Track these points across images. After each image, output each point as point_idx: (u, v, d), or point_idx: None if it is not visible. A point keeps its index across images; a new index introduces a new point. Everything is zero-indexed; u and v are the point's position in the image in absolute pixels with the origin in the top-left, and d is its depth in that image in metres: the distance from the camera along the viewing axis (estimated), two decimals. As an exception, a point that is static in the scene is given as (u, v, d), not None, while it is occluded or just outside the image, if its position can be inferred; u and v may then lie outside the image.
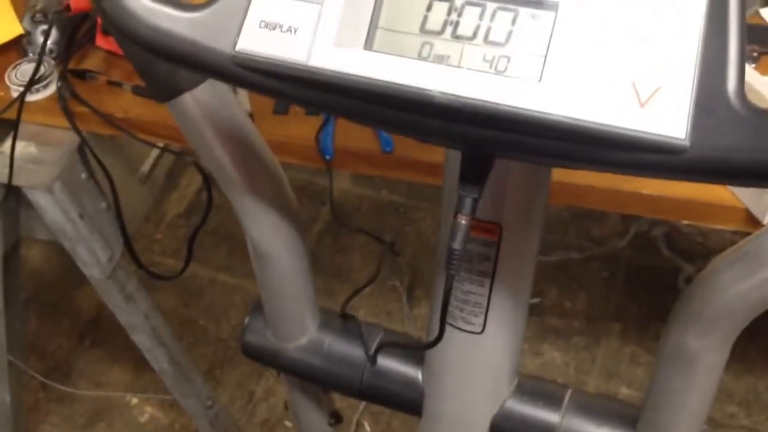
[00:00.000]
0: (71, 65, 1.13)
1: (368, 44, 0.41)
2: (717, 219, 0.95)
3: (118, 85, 1.11)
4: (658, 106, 0.36)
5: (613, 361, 1.80)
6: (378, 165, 1.03)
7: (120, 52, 1.14)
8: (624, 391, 1.75)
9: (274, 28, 0.41)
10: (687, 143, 0.36)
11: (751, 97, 0.36)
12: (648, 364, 1.78)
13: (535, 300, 1.88)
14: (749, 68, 0.91)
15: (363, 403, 1.70)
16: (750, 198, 0.91)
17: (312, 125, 1.04)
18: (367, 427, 1.71)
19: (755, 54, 1.00)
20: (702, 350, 0.55)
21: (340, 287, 1.92)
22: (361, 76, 0.40)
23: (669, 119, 0.36)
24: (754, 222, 0.92)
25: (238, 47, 0.42)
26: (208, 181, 1.14)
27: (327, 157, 1.02)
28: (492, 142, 0.40)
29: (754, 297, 0.51)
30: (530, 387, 0.67)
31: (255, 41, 0.42)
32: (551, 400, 0.67)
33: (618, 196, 0.97)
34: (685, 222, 1.74)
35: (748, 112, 0.35)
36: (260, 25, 0.42)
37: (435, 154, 1.00)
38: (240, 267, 2.01)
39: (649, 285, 1.92)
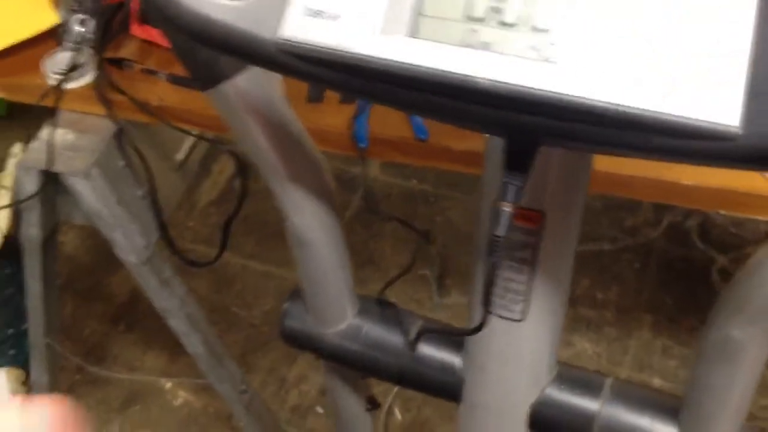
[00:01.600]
0: (107, 54, 1.14)
1: (412, 31, 0.40)
2: (753, 209, 0.94)
3: (153, 73, 1.12)
4: (711, 93, 0.35)
5: (646, 353, 1.79)
6: (412, 153, 1.03)
7: (155, 40, 1.15)
8: (656, 383, 1.73)
9: (317, 15, 0.41)
10: (740, 130, 0.35)
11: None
12: (680, 356, 1.76)
13: (566, 290, 1.87)
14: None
15: (394, 390, 1.71)
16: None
17: (346, 113, 1.04)
18: (398, 414, 1.72)
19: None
20: (745, 342, 0.55)
21: (371, 275, 1.92)
22: (406, 63, 0.40)
23: (722, 106, 0.35)
24: (793, 212, 0.90)
25: (282, 35, 0.42)
26: (244, 168, 1.14)
27: (361, 145, 1.02)
28: (537, 129, 0.40)
29: (801, 288, 0.50)
30: (570, 375, 0.67)
31: (299, 28, 0.42)
32: (591, 388, 0.66)
33: (657, 186, 0.95)
34: (720, 212, 1.71)
35: (803, 98, 0.34)
36: (304, 12, 0.42)
37: (470, 142, 1.00)
38: (271, 255, 2.02)
39: (682, 276, 1.90)
